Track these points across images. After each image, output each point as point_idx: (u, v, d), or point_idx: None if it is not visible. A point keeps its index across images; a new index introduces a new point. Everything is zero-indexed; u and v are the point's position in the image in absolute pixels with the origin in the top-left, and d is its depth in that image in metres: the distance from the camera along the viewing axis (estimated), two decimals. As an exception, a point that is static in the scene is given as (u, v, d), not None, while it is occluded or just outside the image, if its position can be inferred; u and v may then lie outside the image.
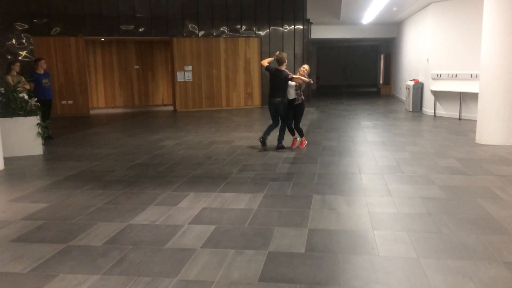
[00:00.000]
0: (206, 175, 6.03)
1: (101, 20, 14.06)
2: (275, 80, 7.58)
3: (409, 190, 5.05)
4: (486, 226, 3.87)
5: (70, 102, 14.16)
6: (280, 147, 7.72)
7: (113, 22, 14.16)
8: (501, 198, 4.67)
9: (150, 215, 4.38)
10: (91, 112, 15.01)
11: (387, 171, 6.01)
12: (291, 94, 7.63)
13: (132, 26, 14.33)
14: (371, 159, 6.81)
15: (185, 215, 4.38)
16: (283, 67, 7.58)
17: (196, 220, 4.22)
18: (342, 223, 4.05)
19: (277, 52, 7.77)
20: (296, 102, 7.63)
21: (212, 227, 4.03)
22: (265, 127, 8.06)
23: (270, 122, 7.90)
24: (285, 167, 6.36)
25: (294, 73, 8.16)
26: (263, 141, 7.88)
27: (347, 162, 6.66)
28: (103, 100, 16.77)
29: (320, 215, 4.29)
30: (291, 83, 7.58)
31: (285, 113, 7.65)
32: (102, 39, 15.82)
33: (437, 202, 4.60)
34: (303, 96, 7.72)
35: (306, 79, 7.57)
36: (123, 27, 14.26)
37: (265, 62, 7.80)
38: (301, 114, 7.87)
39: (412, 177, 5.65)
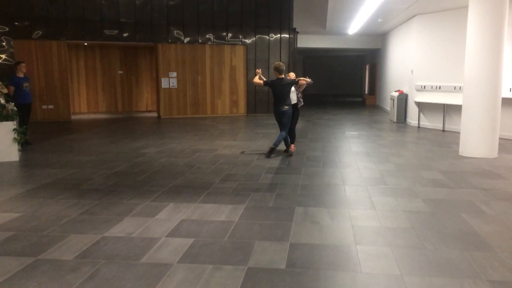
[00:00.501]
0: (187, 184, 5.88)
1: (85, 24, 13.84)
2: (279, 89, 7.67)
3: (392, 203, 4.97)
4: (470, 242, 3.80)
5: (51, 106, 13.88)
6: (271, 151, 7.69)
7: (96, 27, 13.95)
8: (485, 212, 4.62)
9: (126, 227, 4.22)
10: (73, 117, 14.74)
11: (371, 183, 5.94)
12: (293, 99, 7.94)
13: (116, 31, 14.13)
14: (355, 170, 6.73)
15: (163, 227, 4.22)
16: (282, 75, 7.71)
17: (174, 233, 4.06)
18: (324, 237, 3.94)
19: (276, 63, 7.86)
20: (299, 106, 8.10)
21: (191, 240, 3.88)
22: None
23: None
24: (268, 177, 6.24)
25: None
26: (287, 149, 8.14)
27: (331, 173, 6.57)
28: (85, 105, 16.48)
29: (302, 228, 4.17)
30: (292, 88, 7.86)
31: (288, 121, 7.75)
32: (85, 44, 15.57)
33: (421, 216, 4.53)
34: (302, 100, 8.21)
35: (308, 79, 7.86)
36: (107, 31, 14.05)
37: (257, 79, 7.91)
38: (298, 118, 8.22)
39: (396, 189, 5.58)
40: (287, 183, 5.91)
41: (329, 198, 5.23)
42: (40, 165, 7.16)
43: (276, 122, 8.10)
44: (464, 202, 5.00)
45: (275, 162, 7.36)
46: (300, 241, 3.85)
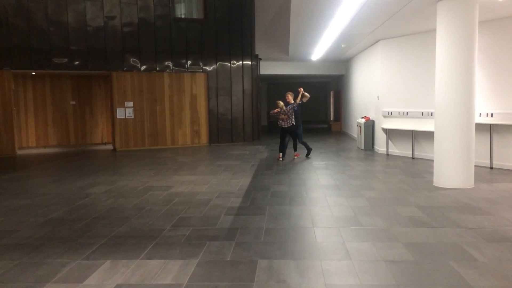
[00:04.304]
0: (132, 233, 5.01)
1: (31, 52, 12.86)
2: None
3: (370, 251, 4.28)
4: (468, 304, 3.13)
5: (-7, 141, 12.67)
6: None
7: (44, 55, 12.98)
8: (477, 259, 3.99)
9: (43, 300, 3.32)
10: (19, 152, 13.55)
11: (344, 223, 5.25)
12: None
13: (66, 59, 13.20)
14: (325, 208, 6.04)
15: (91, 297, 3.35)
16: (283, 107, 10.58)
17: (103, 306, 3.20)
18: (292, 304, 3.18)
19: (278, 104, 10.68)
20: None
21: (123, 317, 3.04)
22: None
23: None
24: (227, 221, 5.46)
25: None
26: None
27: (298, 212, 5.85)
28: (33, 139, 15.27)
29: (265, 291, 3.40)
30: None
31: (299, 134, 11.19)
32: (33, 73, 14.51)
33: (405, 267, 3.84)
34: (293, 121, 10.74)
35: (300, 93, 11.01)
36: (56, 60, 13.10)
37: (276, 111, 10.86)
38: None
39: (372, 231, 4.91)
40: (249, 227, 5.15)
41: (298, 246, 4.49)
42: (-39, 213, 6.11)
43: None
44: (450, 246, 4.36)
45: (236, 200, 6.59)
46: (262, 312, 3.07)
